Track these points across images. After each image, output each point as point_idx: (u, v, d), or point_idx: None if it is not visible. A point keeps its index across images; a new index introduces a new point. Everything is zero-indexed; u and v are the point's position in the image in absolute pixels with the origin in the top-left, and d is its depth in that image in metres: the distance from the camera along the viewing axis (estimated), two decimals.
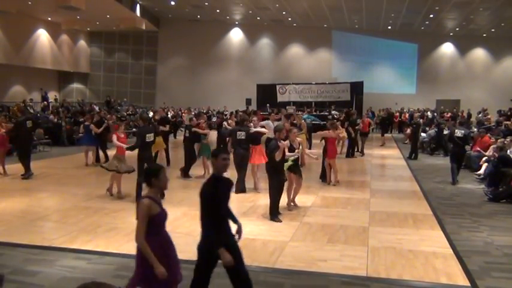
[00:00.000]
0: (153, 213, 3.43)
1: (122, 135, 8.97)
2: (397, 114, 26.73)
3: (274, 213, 7.14)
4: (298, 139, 8.14)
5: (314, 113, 24.99)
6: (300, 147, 8.09)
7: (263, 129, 10.07)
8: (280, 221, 7.05)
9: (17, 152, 11.01)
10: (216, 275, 4.98)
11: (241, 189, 9.10)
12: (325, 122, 17.25)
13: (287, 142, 7.48)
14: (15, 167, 11.12)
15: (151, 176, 3.54)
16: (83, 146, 13.16)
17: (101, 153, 13.19)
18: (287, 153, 7.34)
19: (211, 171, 11.38)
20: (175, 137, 21.56)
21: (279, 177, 7.22)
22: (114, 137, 8.69)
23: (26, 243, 5.83)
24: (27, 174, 10.57)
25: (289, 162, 7.59)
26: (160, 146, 11.88)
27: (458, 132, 10.61)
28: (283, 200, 7.58)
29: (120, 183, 8.70)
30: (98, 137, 13.02)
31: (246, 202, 8.41)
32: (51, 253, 5.49)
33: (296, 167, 7.83)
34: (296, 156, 7.74)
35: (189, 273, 5.02)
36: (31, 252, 5.49)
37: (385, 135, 20.36)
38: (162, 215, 3.54)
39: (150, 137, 8.24)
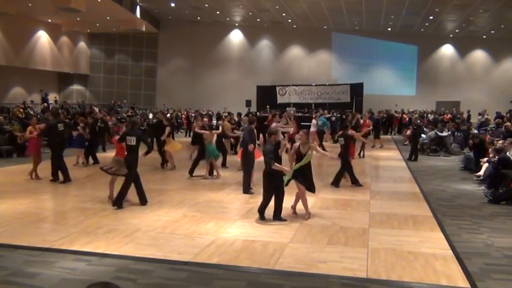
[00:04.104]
0: None
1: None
2: (397, 116, 26.70)
3: (261, 211, 7.15)
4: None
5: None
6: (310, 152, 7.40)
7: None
8: (264, 219, 7.06)
9: (51, 155, 10.65)
10: (215, 275, 4.99)
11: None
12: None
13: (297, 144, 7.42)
14: (16, 168, 11.11)
15: None
16: (74, 149, 12.79)
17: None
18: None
19: (215, 172, 11.22)
20: (173, 138, 21.52)
21: (275, 183, 7.01)
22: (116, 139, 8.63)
23: (25, 244, 5.81)
24: (56, 178, 10.21)
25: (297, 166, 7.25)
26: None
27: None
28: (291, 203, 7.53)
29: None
30: (92, 139, 12.95)
31: (245, 204, 8.42)
32: (51, 255, 5.48)
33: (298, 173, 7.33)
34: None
35: (188, 274, 5.03)
36: (31, 254, 5.48)
37: (385, 136, 20.32)
38: None
39: (130, 140, 7.87)
